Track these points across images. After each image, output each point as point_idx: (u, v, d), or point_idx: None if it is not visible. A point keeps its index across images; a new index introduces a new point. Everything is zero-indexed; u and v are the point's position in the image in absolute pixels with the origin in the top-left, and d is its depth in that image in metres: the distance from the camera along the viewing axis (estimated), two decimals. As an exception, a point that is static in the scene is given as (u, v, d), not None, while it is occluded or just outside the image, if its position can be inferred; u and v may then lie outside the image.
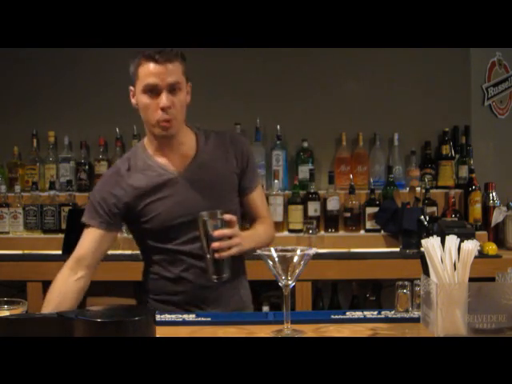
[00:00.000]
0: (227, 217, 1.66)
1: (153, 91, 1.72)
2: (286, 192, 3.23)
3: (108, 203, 1.82)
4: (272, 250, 1.41)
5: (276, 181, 3.18)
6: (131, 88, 1.79)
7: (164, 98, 1.71)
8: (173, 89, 1.72)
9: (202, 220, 1.64)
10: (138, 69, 1.73)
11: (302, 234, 3.09)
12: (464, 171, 3.30)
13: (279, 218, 3.15)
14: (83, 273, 1.79)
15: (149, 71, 1.70)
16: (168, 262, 1.85)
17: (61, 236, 3.06)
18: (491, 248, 2.92)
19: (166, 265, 1.86)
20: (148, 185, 1.82)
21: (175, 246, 1.83)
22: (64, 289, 1.76)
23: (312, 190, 3.18)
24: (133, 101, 1.79)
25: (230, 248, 1.65)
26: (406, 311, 1.62)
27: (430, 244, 1.46)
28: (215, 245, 1.62)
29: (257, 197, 1.94)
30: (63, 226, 3.11)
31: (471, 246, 1.43)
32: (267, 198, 3.13)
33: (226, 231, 1.65)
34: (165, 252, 1.85)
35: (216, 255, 1.63)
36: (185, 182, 1.82)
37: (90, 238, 1.82)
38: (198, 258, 1.79)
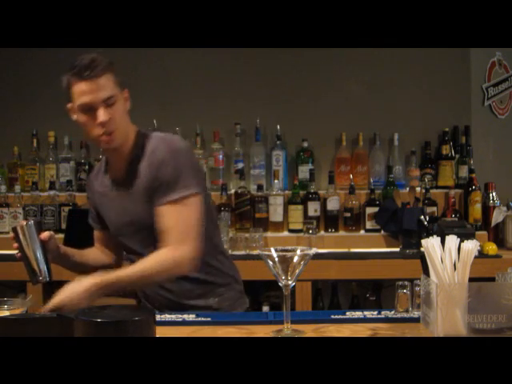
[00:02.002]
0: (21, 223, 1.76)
1: (89, 109, 1.67)
2: (286, 192, 3.22)
3: (90, 204, 1.98)
4: (272, 249, 1.41)
5: (276, 181, 3.18)
6: (69, 105, 1.72)
7: (101, 114, 1.66)
8: (108, 103, 1.67)
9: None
10: (70, 88, 1.68)
11: (302, 234, 3.09)
12: (464, 171, 3.29)
13: (279, 218, 3.15)
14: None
15: (81, 90, 1.65)
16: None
17: (61, 236, 3.05)
18: (491, 248, 2.92)
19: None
20: (99, 191, 1.88)
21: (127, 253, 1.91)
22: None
23: (312, 190, 3.18)
24: (73, 117, 1.73)
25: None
26: (406, 311, 1.62)
27: (430, 244, 1.46)
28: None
29: (165, 214, 1.68)
30: (63, 226, 3.11)
31: (471, 246, 1.43)
32: (267, 199, 3.15)
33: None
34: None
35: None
36: (117, 191, 1.82)
37: (94, 236, 1.97)
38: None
